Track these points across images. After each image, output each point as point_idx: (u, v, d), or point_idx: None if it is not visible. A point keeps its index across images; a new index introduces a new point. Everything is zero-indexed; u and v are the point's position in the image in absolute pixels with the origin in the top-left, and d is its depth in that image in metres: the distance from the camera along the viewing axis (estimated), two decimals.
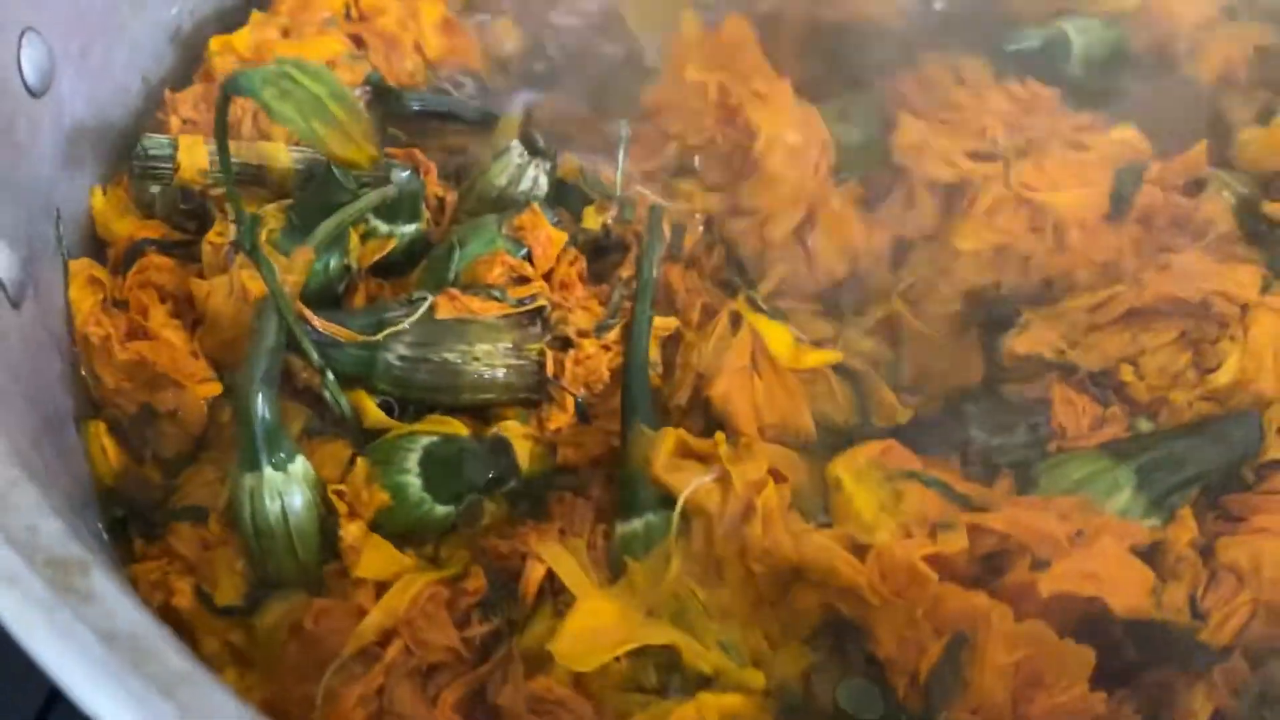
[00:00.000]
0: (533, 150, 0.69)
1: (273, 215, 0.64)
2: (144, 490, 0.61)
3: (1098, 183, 0.72)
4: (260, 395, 0.57)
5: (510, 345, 0.61)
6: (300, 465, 0.57)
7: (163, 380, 0.62)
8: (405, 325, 0.60)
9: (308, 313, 0.59)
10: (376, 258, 0.65)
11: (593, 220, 0.68)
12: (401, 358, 0.60)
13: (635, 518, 0.57)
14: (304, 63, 0.51)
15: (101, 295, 0.65)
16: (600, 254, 0.68)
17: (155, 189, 0.68)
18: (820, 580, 0.54)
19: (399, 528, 0.57)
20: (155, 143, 0.68)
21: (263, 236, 0.63)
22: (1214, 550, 0.57)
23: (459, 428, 0.60)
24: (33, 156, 0.64)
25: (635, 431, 0.59)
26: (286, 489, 0.56)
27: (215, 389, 0.62)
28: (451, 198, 0.70)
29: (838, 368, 0.64)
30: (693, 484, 0.56)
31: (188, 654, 0.38)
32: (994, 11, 0.85)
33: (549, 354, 0.61)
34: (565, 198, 0.70)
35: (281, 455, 0.57)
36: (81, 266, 0.66)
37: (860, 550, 0.55)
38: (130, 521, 0.60)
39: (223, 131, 0.55)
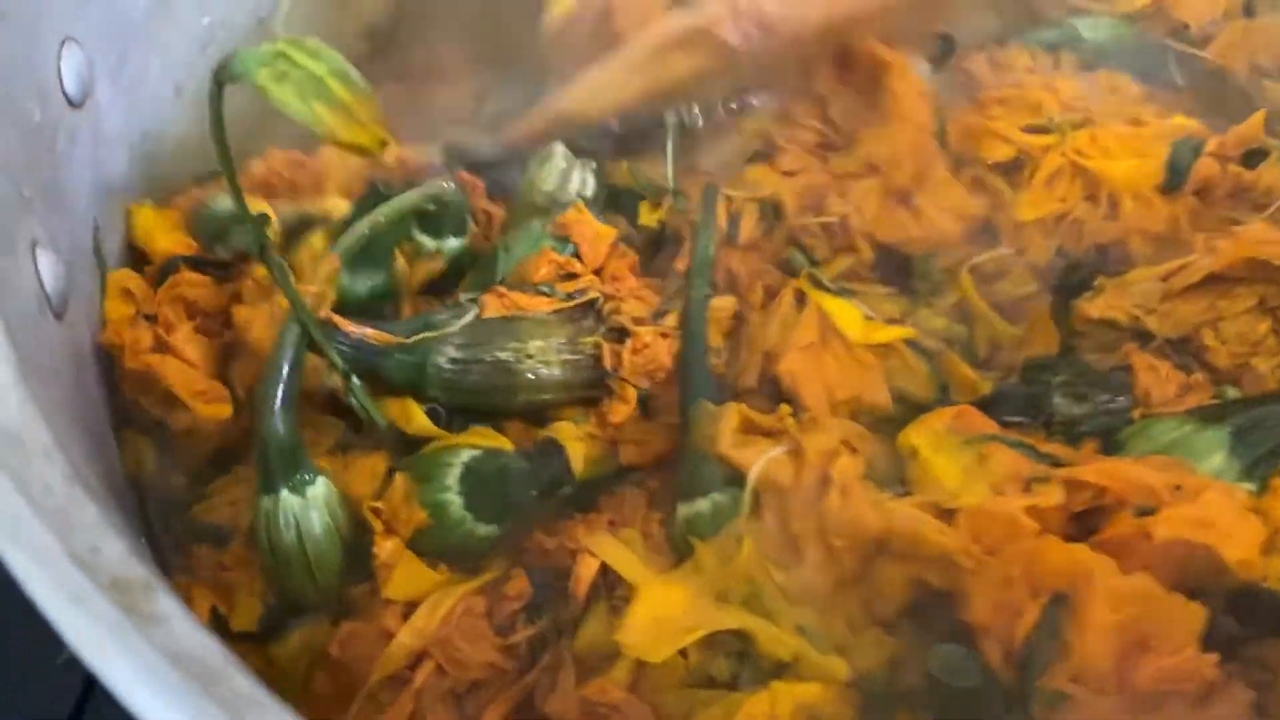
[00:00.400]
0: (577, 151, 0.67)
1: (327, 260, 0.59)
2: (169, 504, 0.59)
3: (1154, 155, 0.70)
4: (276, 416, 0.54)
5: (564, 340, 0.58)
6: (321, 487, 0.54)
7: (172, 397, 0.59)
8: (455, 328, 0.57)
9: (339, 320, 0.57)
10: (428, 277, 0.62)
11: (648, 216, 0.66)
12: (452, 360, 0.57)
13: (700, 498, 0.54)
14: (301, 40, 0.47)
15: (134, 309, 0.63)
16: (657, 251, 0.65)
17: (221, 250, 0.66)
18: (907, 551, 0.51)
19: (438, 547, 0.54)
20: (220, 206, 0.65)
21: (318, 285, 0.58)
22: None
23: (502, 441, 0.57)
24: (72, 166, 0.63)
25: (697, 408, 0.56)
26: (303, 513, 0.54)
27: (224, 410, 0.59)
28: (499, 212, 0.67)
29: (911, 344, 0.61)
30: (764, 457, 0.53)
31: (252, 677, 0.36)
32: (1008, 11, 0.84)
33: (605, 346, 0.57)
34: (619, 202, 0.68)
35: (299, 477, 0.54)
36: (120, 278, 0.64)
37: (946, 517, 0.51)
38: (158, 536, 0.58)
39: (219, 124, 0.51)
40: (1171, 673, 0.48)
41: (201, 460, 0.60)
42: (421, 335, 0.57)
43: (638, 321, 0.58)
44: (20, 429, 0.41)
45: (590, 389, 0.58)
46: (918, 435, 0.55)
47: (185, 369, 0.60)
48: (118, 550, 0.39)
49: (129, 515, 0.57)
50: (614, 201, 0.68)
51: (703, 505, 0.54)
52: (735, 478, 0.53)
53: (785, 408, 0.56)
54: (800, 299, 0.61)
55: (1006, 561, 0.50)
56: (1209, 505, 0.50)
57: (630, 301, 0.59)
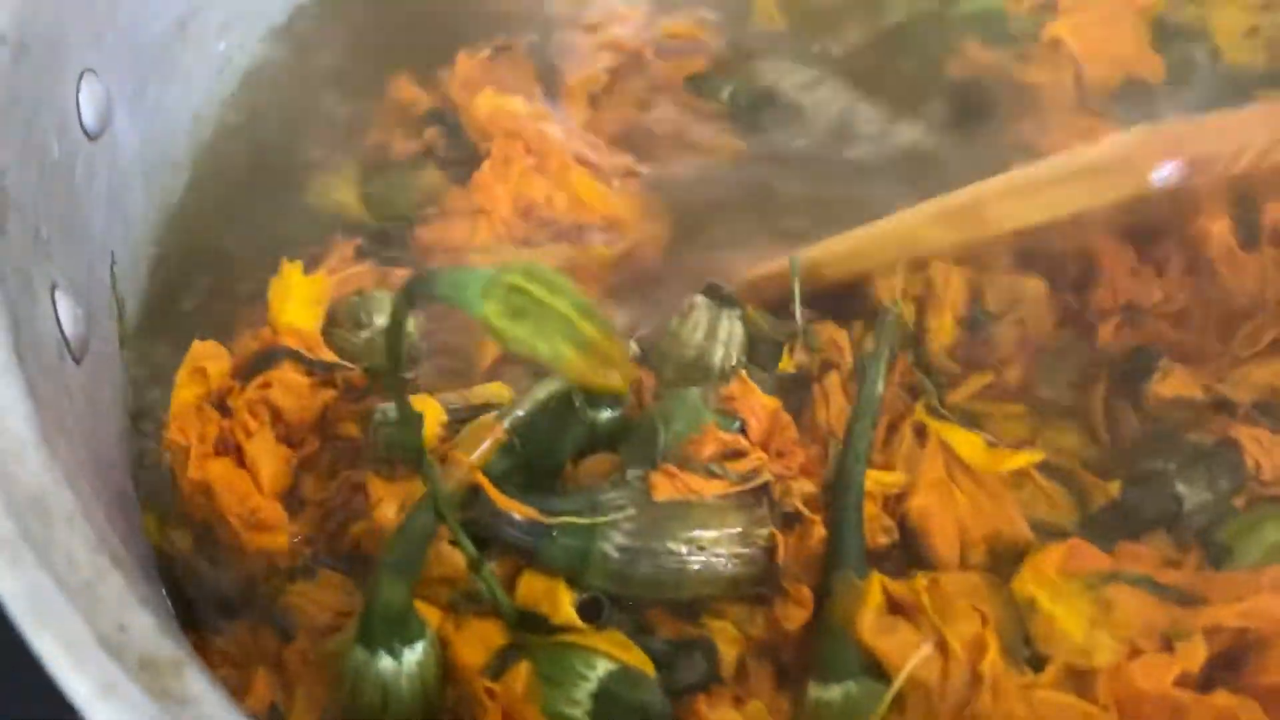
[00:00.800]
0: (720, 299, 0.61)
1: (488, 428, 0.54)
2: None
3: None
4: (393, 582, 0.48)
5: (738, 531, 0.51)
6: (420, 653, 0.49)
7: (220, 517, 0.54)
8: (627, 512, 0.51)
9: (497, 494, 0.50)
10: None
11: (789, 362, 0.60)
12: (620, 548, 0.50)
13: (834, 683, 0.48)
14: (535, 269, 0.41)
15: (205, 390, 0.56)
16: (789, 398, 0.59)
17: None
18: None
19: None
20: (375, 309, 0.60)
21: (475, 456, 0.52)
22: None
23: (643, 660, 0.50)
24: (90, 201, 0.60)
25: (843, 581, 0.50)
26: (394, 678, 0.48)
27: (275, 541, 0.54)
28: (650, 378, 0.60)
29: (1043, 468, 0.56)
30: (916, 658, 0.47)
31: None
32: None
33: (781, 540, 0.51)
34: (754, 350, 0.61)
35: (398, 643, 0.48)
36: (203, 352, 0.57)
37: (1081, 678, 0.47)
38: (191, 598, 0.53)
39: (399, 339, 0.43)
40: None
41: (231, 585, 0.54)
42: (593, 519, 0.51)
43: (809, 503, 0.52)
44: (44, 493, 0.39)
45: (759, 585, 0.52)
46: (1033, 583, 0.50)
47: (246, 490, 0.54)
48: (146, 625, 0.37)
49: (151, 578, 0.53)
50: (750, 349, 0.61)
51: (835, 693, 0.48)
52: (872, 666, 0.48)
53: (920, 579, 0.51)
54: (920, 431, 0.56)
55: None
56: None
57: (800, 480, 0.53)
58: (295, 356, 0.58)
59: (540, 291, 0.40)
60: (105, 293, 0.60)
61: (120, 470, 0.56)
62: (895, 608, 0.50)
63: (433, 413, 0.56)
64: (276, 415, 0.56)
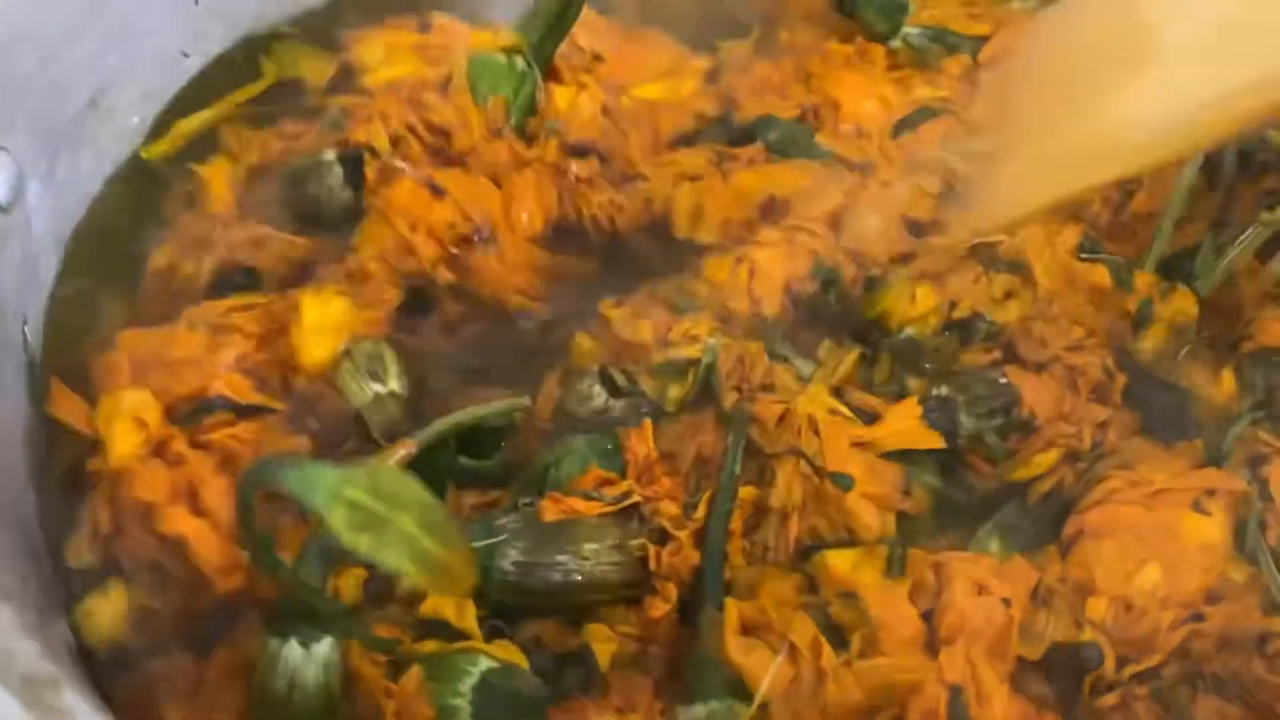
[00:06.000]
0: (613, 390, 0.64)
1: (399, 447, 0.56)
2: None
3: None
4: (311, 566, 0.50)
5: (614, 543, 0.56)
6: (327, 648, 0.50)
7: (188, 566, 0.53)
8: (521, 531, 0.56)
9: None
10: None
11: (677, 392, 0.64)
12: (515, 564, 0.55)
13: (699, 703, 0.52)
14: (380, 480, 0.42)
15: (144, 438, 0.55)
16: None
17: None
18: (888, 701, 0.52)
19: None
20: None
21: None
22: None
23: (519, 657, 0.53)
24: (3, 267, 0.59)
25: (708, 616, 0.54)
26: (303, 665, 0.50)
27: (237, 581, 0.54)
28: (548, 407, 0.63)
29: None
30: (771, 670, 0.53)
31: None
32: None
33: (651, 549, 0.56)
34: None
35: (311, 631, 0.50)
36: (136, 403, 0.56)
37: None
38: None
39: (249, 523, 0.44)
40: None
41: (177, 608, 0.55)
42: (488, 541, 0.55)
43: (677, 525, 0.56)
44: None
45: (633, 587, 0.56)
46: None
47: (218, 542, 0.54)
48: (28, 650, 0.40)
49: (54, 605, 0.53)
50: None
51: (700, 712, 0.52)
52: (734, 684, 0.52)
53: (764, 603, 0.55)
54: None
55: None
56: None
57: (665, 502, 0.58)
58: (227, 403, 0.58)
59: (382, 508, 0.41)
60: (17, 352, 0.59)
61: (23, 507, 0.56)
62: (748, 628, 0.54)
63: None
64: (226, 460, 0.55)
